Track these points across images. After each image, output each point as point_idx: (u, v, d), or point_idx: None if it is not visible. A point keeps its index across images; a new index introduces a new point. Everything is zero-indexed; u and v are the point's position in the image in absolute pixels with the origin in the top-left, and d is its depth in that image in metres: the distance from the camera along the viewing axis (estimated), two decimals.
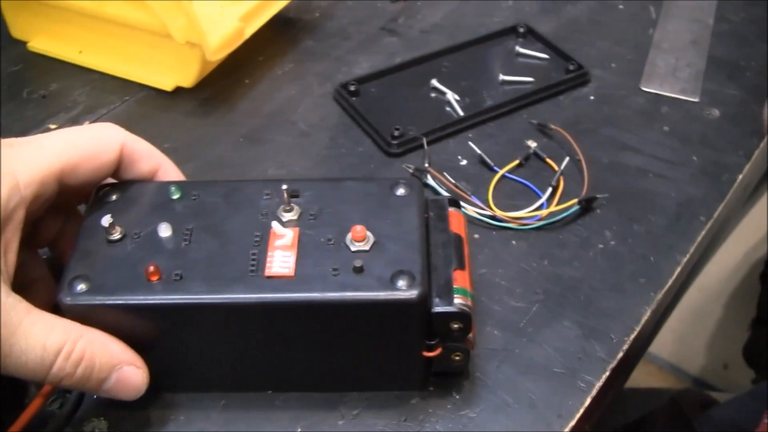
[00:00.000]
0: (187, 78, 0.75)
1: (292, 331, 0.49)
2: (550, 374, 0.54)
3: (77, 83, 0.77)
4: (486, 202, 0.65)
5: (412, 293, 0.46)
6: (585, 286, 0.59)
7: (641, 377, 0.59)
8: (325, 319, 0.48)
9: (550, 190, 0.65)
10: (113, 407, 0.51)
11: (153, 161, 0.54)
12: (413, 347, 0.50)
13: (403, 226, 0.50)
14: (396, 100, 0.75)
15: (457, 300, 0.48)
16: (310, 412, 0.51)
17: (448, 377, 0.53)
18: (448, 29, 0.85)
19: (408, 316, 0.48)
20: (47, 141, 0.49)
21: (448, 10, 0.88)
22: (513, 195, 0.66)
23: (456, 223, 0.52)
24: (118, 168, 0.52)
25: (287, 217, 0.51)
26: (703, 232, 0.63)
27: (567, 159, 0.67)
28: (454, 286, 0.49)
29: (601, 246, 0.62)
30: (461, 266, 0.50)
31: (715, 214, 0.65)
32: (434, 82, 0.76)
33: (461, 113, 0.73)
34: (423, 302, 0.47)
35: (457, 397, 0.52)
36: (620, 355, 0.55)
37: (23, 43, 0.81)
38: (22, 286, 0.46)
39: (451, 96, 0.74)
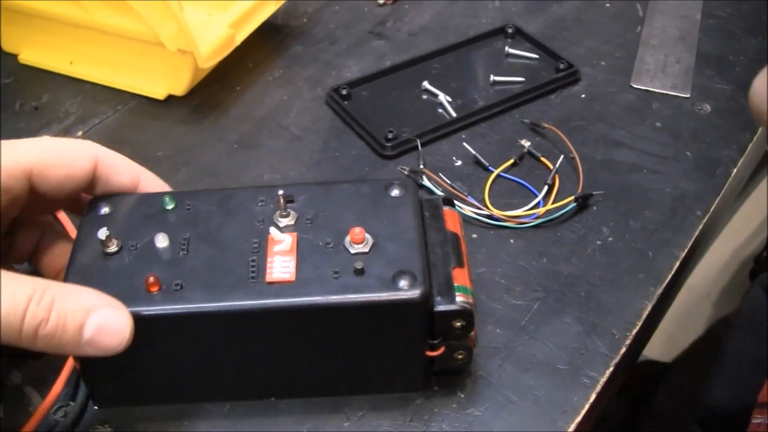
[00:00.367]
0: (179, 86, 0.75)
1: (295, 337, 0.49)
2: (553, 371, 0.54)
3: (69, 94, 0.77)
4: (482, 201, 0.65)
5: (415, 293, 0.46)
6: (584, 282, 0.59)
7: None
8: (327, 323, 0.48)
9: (545, 188, 0.65)
10: (117, 415, 0.51)
11: (132, 173, 0.53)
12: (416, 347, 0.50)
13: (400, 226, 0.50)
14: (388, 103, 0.75)
15: (459, 298, 0.48)
16: (314, 414, 0.51)
17: (451, 376, 0.53)
18: (436, 31, 0.85)
19: (410, 315, 0.47)
20: (21, 142, 0.50)
21: (435, 12, 0.88)
22: (509, 194, 0.66)
23: (451, 222, 0.53)
24: (96, 181, 0.52)
25: (284, 222, 0.51)
26: (699, 227, 0.64)
27: (561, 157, 0.67)
28: (455, 284, 0.49)
29: (598, 242, 0.62)
30: (460, 264, 0.50)
31: (711, 209, 0.65)
32: (426, 84, 0.76)
33: (454, 114, 0.73)
34: (425, 301, 0.47)
35: (462, 396, 0.52)
36: (623, 350, 0.55)
37: (13, 56, 0.81)
38: None
39: (443, 97, 0.75)
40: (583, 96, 0.76)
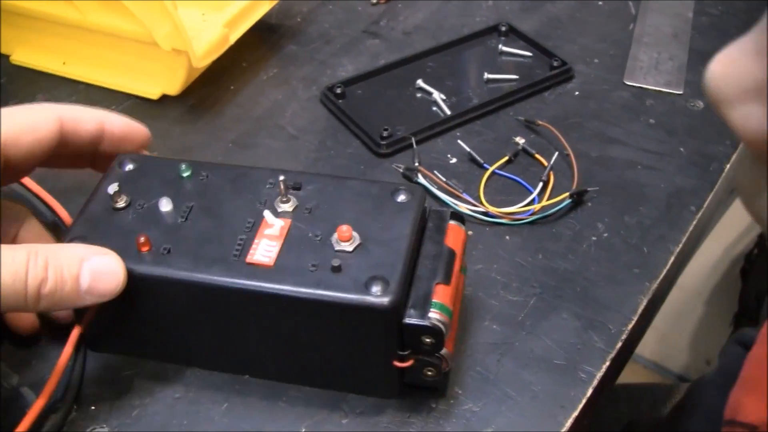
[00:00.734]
0: (174, 85, 0.75)
1: (265, 320, 0.49)
2: (550, 366, 0.54)
3: (62, 94, 0.77)
4: (478, 198, 0.65)
5: (384, 300, 0.46)
6: (580, 278, 0.60)
7: (625, 376, 0.60)
8: (295, 313, 0.48)
9: (540, 184, 0.66)
10: (115, 415, 0.51)
11: (94, 118, 0.55)
12: (384, 355, 0.49)
13: (393, 232, 0.50)
14: (383, 102, 0.75)
15: (433, 314, 0.47)
16: (313, 411, 0.51)
17: (423, 390, 0.52)
18: (430, 30, 0.85)
19: (378, 322, 0.47)
20: None
21: (429, 11, 0.88)
22: (504, 191, 0.66)
23: (453, 237, 0.51)
24: (66, 139, 0.53)
25: (283, 208, 0.51)
26: (694, 222, 0.64)
27: (556, 154, 0.67)
28: (433, 300, 0.47)
29: (594, 238, 0.62)
30: (446, 281, 0.49)
31: (705, 204, 0.66)
32: (420, 83, 0.76)
33: (448, 112, 0.73)
34: (394, 310, 0.46)
35: (460, 392, 0.52)
36: (619, 344, 0.55)
37: (6, 57, 0.81)
38: None
39: (437, 96, 0.75)
40: (577, 93, 0.76)
